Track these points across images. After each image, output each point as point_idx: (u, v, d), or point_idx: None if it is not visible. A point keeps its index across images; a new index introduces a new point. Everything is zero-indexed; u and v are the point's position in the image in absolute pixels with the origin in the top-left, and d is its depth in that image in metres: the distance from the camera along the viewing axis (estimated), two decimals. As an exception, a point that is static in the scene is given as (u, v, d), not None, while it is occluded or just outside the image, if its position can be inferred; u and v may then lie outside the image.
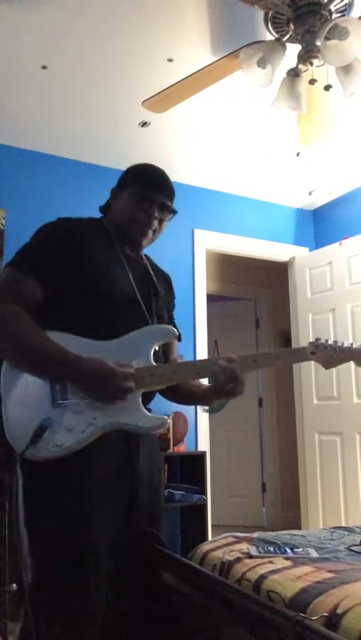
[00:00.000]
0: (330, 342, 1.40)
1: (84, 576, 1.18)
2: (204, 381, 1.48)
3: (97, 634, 1.19)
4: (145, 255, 1.58)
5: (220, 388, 1.34)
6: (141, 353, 1.32)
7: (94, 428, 1.23)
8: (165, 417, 1.31)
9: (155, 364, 1.33)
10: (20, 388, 1.25)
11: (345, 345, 1.40)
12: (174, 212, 1.52)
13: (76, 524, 1.19)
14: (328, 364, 1.40)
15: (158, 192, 1.47)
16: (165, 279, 1.63)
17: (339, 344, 1.40)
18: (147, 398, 1.34)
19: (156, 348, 1.36)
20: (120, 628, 1.26)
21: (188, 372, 1.36)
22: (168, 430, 3.24)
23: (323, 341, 1.40)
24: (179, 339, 1.45)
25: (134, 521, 1.31)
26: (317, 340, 1.41)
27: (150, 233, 1.48)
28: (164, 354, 1.49)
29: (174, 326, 1.51)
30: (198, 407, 3.63)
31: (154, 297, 1.49)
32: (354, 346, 1.40)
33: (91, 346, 1.28)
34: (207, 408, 1.37)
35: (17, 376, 1.26)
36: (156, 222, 1.47)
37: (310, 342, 1.42)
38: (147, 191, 1.45)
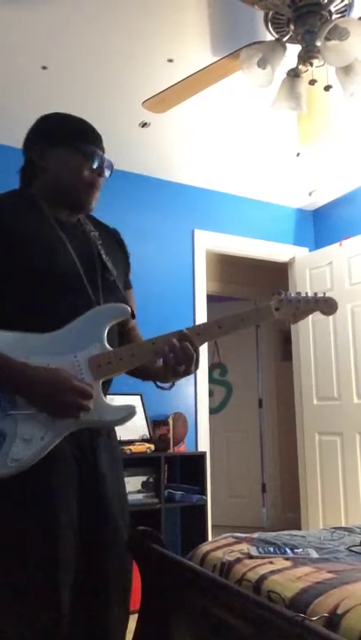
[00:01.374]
0: (293, 294, 1.33)
1: (52, 579, 1.09)
2: None
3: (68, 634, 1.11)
4: (87, 215, 1.40)
5: (173, 369, 1.20)
6: (94, 339, 1.18)
7: (54, 432, 1.11)
8: (132, 405, 1.19)
9: (110, 348, 1.19)
10: None
11: (309, 296, 1.34)
12: (112, 165, 1.38)
13: (40, 526, 1.11)
14: (294, 317, 1.33)
15: (96, 145, 1.34)
16: (115, 237, 1.46)
17: (303, 295, 1.34)
18: (106, 385, 1.23)
19: (105, 332, 1.20)
20: (114, 627, 1.24)
21: (147, 353, 1.21)
22: (168, 431, 3.24)
23: (285, 295, 1.33)
24: (132, 316, 1.30)
25: (101, 520, 1.21)
26: (280, 292, 1.33)
27: (97, 193, 1.34)
28: (121, 330, 1.35)
29: (129, 293, 1.38)
30: (202, 402, 3.63)
31: (99, 267, 1.31)
32: (314, 295, 1.34)
33: (37, 340, 1.15)
34: (165, 385, 1.20)
35: None
36: (101, 180, 1.34)
37: (274, 296, 1.33)
38: (91, 146, 1.32)
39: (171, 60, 2.53)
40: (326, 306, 1.34)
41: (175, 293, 3.63)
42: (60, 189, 1.31)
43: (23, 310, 1.19)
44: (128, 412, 1.18)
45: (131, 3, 2.21)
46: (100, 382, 1.18)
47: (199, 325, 1.28)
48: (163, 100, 2.38)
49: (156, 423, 3.28)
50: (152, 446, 3.13)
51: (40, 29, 2.35)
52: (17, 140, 3.27)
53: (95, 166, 1.31)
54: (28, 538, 1.10)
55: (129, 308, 1.25)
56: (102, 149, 1.35)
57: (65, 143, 1.33)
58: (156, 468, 3.07)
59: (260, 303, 1.40)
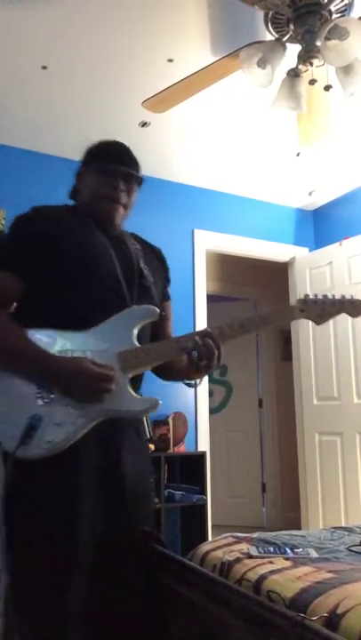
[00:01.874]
0: (319, 297, 1.36)
1: (66, 578, 1.16)
2: None
3: (79, 633, 1.17)
4: (131, 233, 1.53)
5: (196, 365, 1.29)
6: (124, 337, 1.29)
7: (85, 419, 1.20)
8: (156, 397, 1.26)
9: (138, 345, 1.29)
10: (5, 386, 1.23)
11: (336, 297, 1.36)
12: (142, 179, 1.47)
13: (60, 523, 1.17)
14: (320, 319, 1.36)
15: (120, 163, 1.43)
16: (156, 255, 1.57)
17: (329, 297, 1.36)
18: (135, 383, 1.32)
19: (136, 331, 1.31)
20: (116, 627, 1.25)
21: (172, 350, 1.32)
22: (168, 430, 3.24)
23: (312, 297, 1.36)
24: (160, 317, 1.38)
25: (122, 520, 1.28)
26: (306, 296, 1.37)
27: (120, 208, 1.43)
28: (155, 333, 1.45)
29: (166, 304, 1.50)
30: (202, 402, 3.63)
31: (138, 276, 1.42)
32: (341, 296, 1.37)
33: (72, 338, 1.25)
34: (192, 382, 1.35)
35: (2, 373, 1.23)
36: (124, 195, 1.43)
37: (298, 299, 1.37)
38: (108, 164, 1.42)
39: (171, 60, 2.53)
40: (353, 307, 1.36)
41: (175, 293, 3.59)
42: (87, 207, 1.43)
43: (61, 309, 1.28)
44: (151, 404, 1.25)
45: (131, 3, 2.21)
46: (129, 376, 1.26)
47: (223, 324, 1.37)
48: (163, 100, 2.38)
49: (156, 423, 3.27)
50: (152, 446, 3.13)
51: (40, 29, 2.35)
52: (17, 140, 3.27)
53: (109, 181, 1.41)
54: (47, 532, 1.17)
55: (157, 310, 1.35)
56: (127, 166, 1.44)
57: (90, 165, 1.46)
58: (156, 468, 3.07)
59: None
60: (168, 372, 1.46)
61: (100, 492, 1.23)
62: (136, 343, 1.29)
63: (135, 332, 1.30)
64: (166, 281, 1.58)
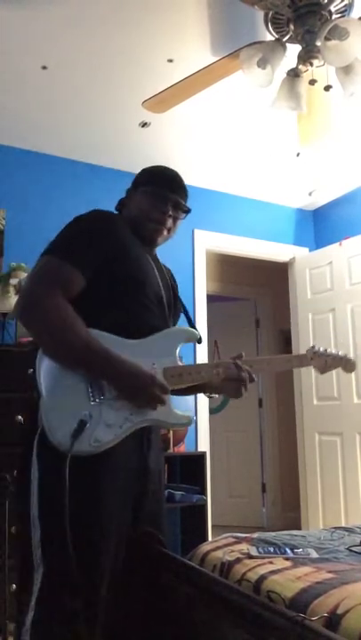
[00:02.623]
0: (321, 350, 1.59)
1: (95, 574, 1.19)
2: None
3: (99, 632, 1.18)
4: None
5: (228, 389, 1.46)
6: (168, 353, 1.39)
7: (131, 423, 1.28)
8: (192, 415, 1.41)
9: (180, 363, 1.40)
10: (58, 383, 1.27)
11: (339, 353, 1.61)
12: (188, 210, 1.56)
13: (93, 521, 1.21)
14: (323, 369, 1.59)
15: (172, 190, 1.51)
16: (172, 275, 1.69)
17: (333, 352, 1.60)
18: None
19: (178, 350, 1.41)
20: (120, 627, 1.26)
21: (211, 374, 1.44)
22: (168, 431, 3.24)
23: (317, 349, 1.59)
24: (199, 341, 1.50)
25: (141, 518, 1.35)
26: (313, 347, 1.59)
27: (165, 231, 1.52)
28: None
29: (193, 327, 1.57)
30: (202, 402, 3.63)
31: (173, 297, 1.56)
32: (341, 354, 1.62)
33: (121, 344, 1.31)
34: (214, 395, 1.52)
35: (56, 371, 1.27)
36: (170, 220, 1.51)
37: (308, 349, 1.59)
38: (160, 189, 1.50)
39: (171, 60, 2.53)
40: (348, 364, 1.63)
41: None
42: (134, 223, 1.50)
43: (113, 315, 1.35)
44: (188, 420, 1.37)
45: (131, 3, 2.21)
46: (170, 391, 1.35)
47: (251, 359, 1.52)
48: (163, 100, 2.38)
49: (156, 423, 3.27)
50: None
51: (40, 29, 2.35)
52: (17, 140, 3.27)
53: (160, 205, 1.49)
54: (83, 530, 1.19)
55: (198, 334, 1.47)
56: (177, 194, 1.53)
57: (144, 185, 1.53)
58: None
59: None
60: (190, 389, 1.54)
61: (129, 487, 1.31)
62: (178, 361, 1.39)
63: (178, 350, 1.40)
64: (179, 299, 1.70)
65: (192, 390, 1.55)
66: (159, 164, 1.61)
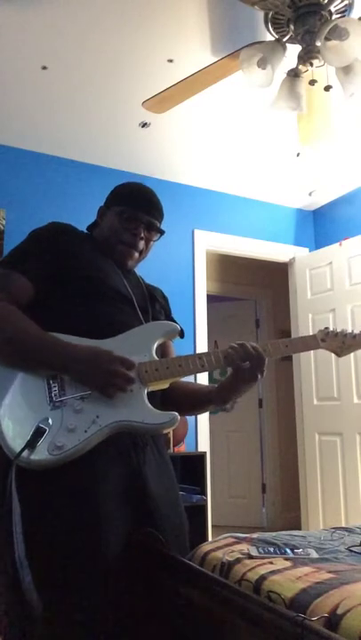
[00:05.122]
0: (338, 330, 1.42)
1: (92, 610, 1.10)
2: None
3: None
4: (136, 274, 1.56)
5: (239, 368, 1.29)
6: (143, 350, 1.26)
7: (98, 426, 1.14)
8: (175, 413, 1.21)
9: (157, 359, 1.27)
10: (13, 388, 1.18)
11: (355, 332, 1.42)
12: (162, 232, 1.49)
13: (82, 547, 1.11)
14: (341, 350, 1.42)
15: (145, 212, 1.43)
16: (160, 293, 1.60)
17: (348, 332, 1.42)
18: (154, 397, 1.28)
19: (155, 346, 1.29)
20: (119, 628, 1.25)
21: (194, 365, 1.28)
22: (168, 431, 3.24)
23: (332, 329, 1.41)
24: (181, 335, 1.38)
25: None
26: (326, 328, 1.42)
27: (136, 253, 1.44)
28: (162, 356, 1.42)
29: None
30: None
31: (149, 301, 1.46)
32: None
33: (88, 344, 1.22)
34: (227, 407, 1.31)
35: (10, 376, 1.19)
36: (142, 243, 1.44)
37: (320, 330, 1.42)
38: (133, 210, 1.42)
39: (171, 60, 2.53)
40: None
41: (175, 293, 3.58)
42: (104, 244, 1.44)
43: (77, 325, 1.26)
44: (170, 419, 1.20)
45: (131, 3, 2.21)
46: (147, 389, 1.23)
47: (248, 343, 1.34)
48: (163, 101, 2.38)
49: (156, 423, 3.27)
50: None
51: (40, 30, 2.35)
52: (17, 140, 3.27)
53: (131, 227, 1.42)
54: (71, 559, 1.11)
55: (178, 327, 1.35)
56: (151, 216, 1.45)
57: (115, 206, 1.45)
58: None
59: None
60: (184, 401, 1.44)
61: (124, 515, 1.19)
62: (155, 357, 1.26)
63: (155, 346, 1.28)
64: (168, 314, 1.58)
65: (199, 404, 1.45)
66: (134, 182, 1.54)
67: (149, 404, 1.20)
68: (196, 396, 1.47)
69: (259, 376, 1.31)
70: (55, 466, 1.10)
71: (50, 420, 1.13)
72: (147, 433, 1.26)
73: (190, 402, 1.47)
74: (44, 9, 2.23)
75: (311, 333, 4.39)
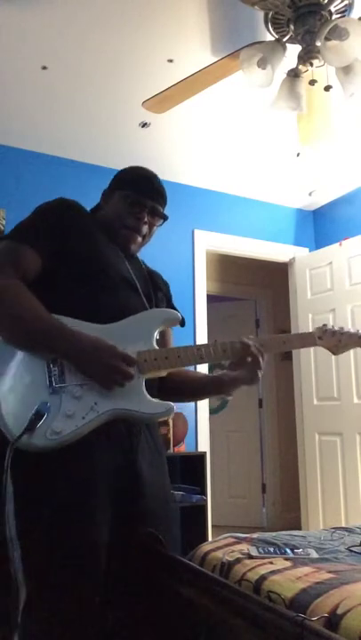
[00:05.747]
0: (336, 328, 1.42)
1: (81, 581, 1.13)
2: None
3: (93, 635, 1.16)
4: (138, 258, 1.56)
5: (245, 366, 1.32)
6: (143, 337, 1.26)
7: (95, 413, 1.15)
8: (171, 403, 1.23)
9: (157, 348, 1.27)
10: (13, 371, 1.18)
11: (352, 331, 1.42)
12: (165, 217, 1.48)
13: (74, 524, 1.14)
14: (337, 349, 1.42)
15: (149, 197, 1.43)
16: (161, 278, 1.61)
17: (345, 330, 1.42)
18: (152, 386, 1.29)
19: (156, 334, 1.29)
20: (119, 628, 1.26)
21: (192, 356, 1.29)
22: (168, 431, 3.24)
23: (330, 327, 1.42)
24: (182, 324, 1.38)
25: (138, 524, 1.26)
26: (324, 325, 1.43)
27: (139, 238, 1.44)
28: (161, 343, 1.42)
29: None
30: (202, 402, 3.63)
31: (152, 288, 1.47)
32: (360, 332, 1.43)
33: (90, 329, 1.22)
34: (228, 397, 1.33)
35: (11, 358, 1.19)
36: (145, 227, 1.44)
37: (317, 327, 1.43)
38: (138, 195, 1.42)
39: (171, 60, 2.53)
40: None
41: (175, 293, 3.59)
42: (108, 228, 1.42)
43: (79, 307, 1.25)
44: (166, 409, 1.22)
45: (131, 3, 2.21)
46: (144, 378, 1.23)
47: (245, 338, 1.39)
48: (163, 101, 2.38)
49: (156, 423, 3.27)
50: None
51: (40, 30, 2.35)
52: (17, 140, 3.27)
53: (136, 211, 1.42)
54: (61, 539, 1.12)
55: (180, 316, 1.36)
56: (155, 201, 1.45)
57: (120, 190, 1.45)
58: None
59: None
60: (183, 389, 1.45)
61: (114, 495, 1.20)
62: (155, 345, 1.27)
63: (155, 334, 1.28)
64: (169, 300, 1.60)
65: (199, 392, 1.46)
66: (138, 165, 1.53)
67: (146, 393, 1.21)
68: (196, 384, 1.49)
69: (259, 373, 1.33)
70: (52, 450, 1.12)
71: (49, 404, 1.14)
72: (142, 421, 1.28)
73: (190, 390, 1.49)
74: (44, 9, 2.23)
75: (311, 333, 4.31)
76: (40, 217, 1.35)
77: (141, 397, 1.21)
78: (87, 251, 1.31)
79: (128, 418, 1.21)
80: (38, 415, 1.12)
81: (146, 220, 1.43)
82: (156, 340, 1.30)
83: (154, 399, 1.23)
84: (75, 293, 1.27)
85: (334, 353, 1.43)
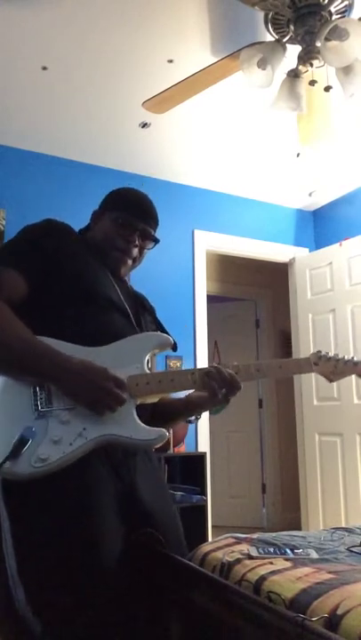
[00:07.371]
0: (331, 355, 1.38)
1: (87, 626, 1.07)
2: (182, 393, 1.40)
3: None
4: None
5: (214, 392, 1.26)
6: (135, 360, 1.21)
7: (84, 440, 1.09)
8: (164, 430, 1.18)
9: (148, 372, 1.23)
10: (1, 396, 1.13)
11: (347, 358, 1.39)
12: (157, 240, 1.45)
13: (78, 559, 1.09)
14: (333, 375, 1.39)
15: (140, 218, 1.41)
16: (148, 302, 1.56)
17: (341, 357, 1.39)
18: (143, 411, 1.24)
19: (147, 357, 1.25)
20: (119, 629, 1.25)
21: (185, 380, 1.25)
22: (168, 431, 3.24)
23: (324, 353, 1.38)
24: (174, 348, 1.33)
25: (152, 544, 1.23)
26: (319, 351, 1.39)
27: (129, 261, 1.41)
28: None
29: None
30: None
31: (142, 310, 1.44)
32: (355, 358, 1.38)
33: (77, 351, 1.17)
34: (192, 418, 1.25)
35: None
36: (135, 250, 1.41)
37: (312, 353, 1.39)
38: (129, 217, 1.39)
39: (171, 61, 2.53)
40: None
41: (175, 294, 3.62)
42: (98, 249, 1.40)
43: (68, 330, 1.21)
44: (159, 435, 1.17)
45: (131, 4, 2.21)
46: (136, 403, 1.19)
47: (239, 364, 1.32)
48: (163, 101, 2.38)
49: (156, 423, 3.27)
50: (152, 446, 3.12)
51: (40, 30, 2.35)
52: (17, 140, 3.27)
53: (126, 234, 1.39)
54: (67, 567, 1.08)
55: (172, 340, 1.31)
56: (147, 224, 1.43)
57: (111, 211, 1.43)
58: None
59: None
60: (162, 415, 1.39)
61: (120, 522, 1.16)
62: (146, 369, 1.22)
63: (146, 357, 1.23)
64: (159, 323, 1.55)
65: (171, 418, 1.41)
66: (128, 187, 1.50)
67: (138, 419, 1.16)
68: (172, 408, 1.43)
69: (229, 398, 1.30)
70: (38, 478, 1.06)
71: (34, 430, 1.08)
72: (134, 448, 1.23)
73: (168, 414, 1.43)
74: (44, 9, 2.23)
75: (311, 334, 4.38)
76: (26, 238, 1.32)
77: (133, 423, 1.15)
78: (75, 272, 1.28)
79: (119, 445, 1.16)
80: (22, 441, 1.05)
81: (137, 242, 1.40)
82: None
83: (146, 426, 1.17)
84: (62, 315, 1.23)
85: (330, 380, 1.39)
